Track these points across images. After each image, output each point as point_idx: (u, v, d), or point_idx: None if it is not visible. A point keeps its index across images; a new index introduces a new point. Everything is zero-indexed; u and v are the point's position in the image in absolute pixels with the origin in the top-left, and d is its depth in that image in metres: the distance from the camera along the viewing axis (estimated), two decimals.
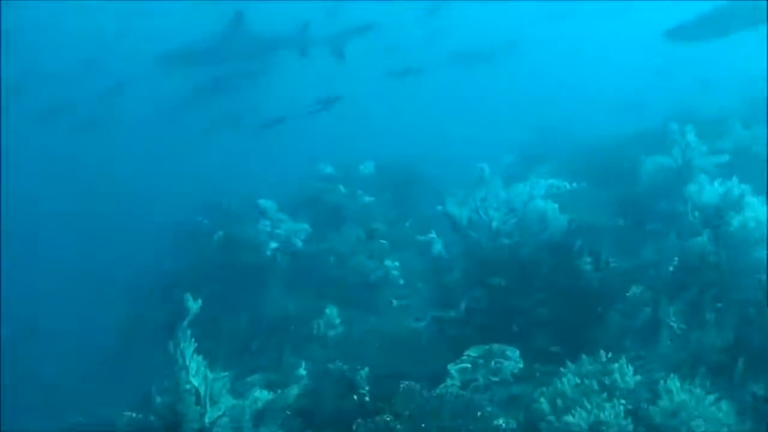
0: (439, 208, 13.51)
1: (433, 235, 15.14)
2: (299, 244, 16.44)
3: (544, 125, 23.62)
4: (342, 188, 18.43)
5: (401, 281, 15.40)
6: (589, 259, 11.61)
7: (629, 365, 9.04)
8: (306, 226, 16.65)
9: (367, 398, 9.58)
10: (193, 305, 8.57)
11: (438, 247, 14.94)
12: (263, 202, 17.16)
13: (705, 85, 24.75)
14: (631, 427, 8.36)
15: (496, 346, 10.53)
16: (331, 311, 14.16)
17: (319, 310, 14.36)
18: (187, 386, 8.70)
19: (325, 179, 19.03)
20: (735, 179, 11.18)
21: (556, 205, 12.73)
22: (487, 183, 13.16)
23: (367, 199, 18.20)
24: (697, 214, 11.12)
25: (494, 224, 12.94)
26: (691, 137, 14.00)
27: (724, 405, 8.49)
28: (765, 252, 10.52)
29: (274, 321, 14.94)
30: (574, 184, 14.99)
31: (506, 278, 12.13)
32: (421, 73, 27.71)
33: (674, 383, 8.58)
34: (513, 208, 13.08)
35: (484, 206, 13.00)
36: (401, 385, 9.22)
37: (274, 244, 16.40)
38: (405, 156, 21.24)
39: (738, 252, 10.79)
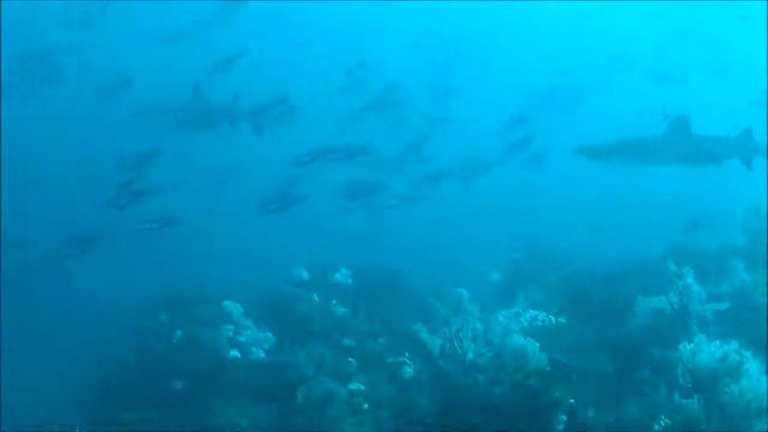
0: (415, 328, 13.15)
1: (405, 359, 14.74)
2: (261, 354, 16.00)
3: (535, 239, 23.19)
4: (315, 297, 18.01)
5: (365, 406, 14.86)
6: (563, 417, 11.12)
7: None
8: (270, 335, 16.26)
9: None
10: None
11: (409, 372, 14.51)
12: (228, 305, 16.80)
13: (706, 213, 24.19)
14: None
15: None
16: None
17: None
18: None
19: (299, 284, 18.57)
20: (734, 344, 10.85)
21: (537, 344, 12.37)
22: (464, 311, 12.84)
23: (341, 311, 17.74)
24: (689, 376, 10.75)
25: (468, 356, 12.59)
26: (689, 280, 13.64)
27: None
28: (765, 426, 10.17)
29: None
30: (560, 319, 14.63)
31: (476, 418, 11.69)
32: None
33: None
34: (490, 340, 12.72)
35: (458, 336, 12.62)
36: None
37: (234, 352, 15.93)
38: (388, 257, 20.86)
39: (732, 424, 10.43)
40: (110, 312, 20.24)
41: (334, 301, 18.02)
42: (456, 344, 12.70)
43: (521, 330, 13.45)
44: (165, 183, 20.71)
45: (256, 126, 22.67)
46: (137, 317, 18.20)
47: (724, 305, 13.67)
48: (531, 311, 14.75)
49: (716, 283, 15.03)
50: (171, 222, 19.53)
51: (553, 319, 14.59)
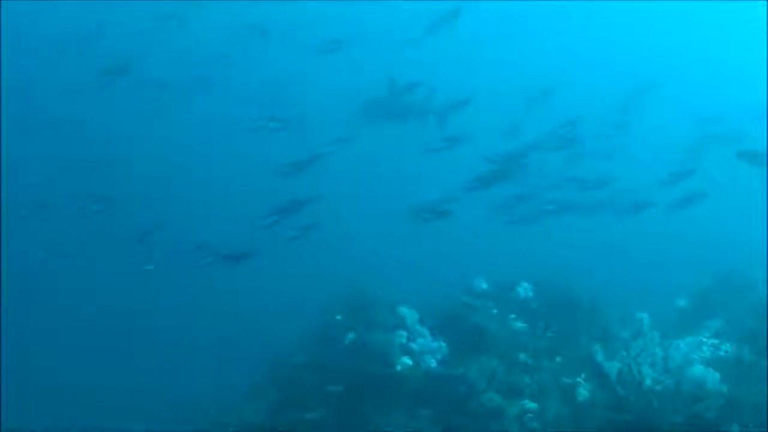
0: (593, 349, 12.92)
1: (581, 379, 14.52)
2: (433, 364, 15.96)
3: (727, 267, 22.46)
4: (494, 310, 17.86)
5: (535, 425, 14.69)
6: None
7: None
8: (443, 345, 16.19)
9: None
10: None
11: (584, 393, 14.29)
12: (403, 310, 16.82)
13: None
14: None
15: None
16: None
17: None
18: None
19: (477, 296, 18.44)
20: None
21: (718, 375, 11.98)
22: (645, 336, 12.52)
23: (519, 325, 17.55)
24: None
25: (646, 383, 12.27)
26: None
27: None
28: None
29: None
30: (745, 351, 14.15)
31: None
32: None
33: None
34: (670, 368, 12.38)
35: (637, 361, 12.33)
36: None
37: (406, 360, 15.95)
38: (567, 273, 20.49)
39: None
40: (285, 312, 20.49)
41: (512, 315, 17.85)
42: (634, 369, 12.42)
43: (702, 360, 13.04)
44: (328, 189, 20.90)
45: (441, 122, 22.76)
46: (312, 318, 18.32)
47: None
48: (714, 340, 14.30)
49: None
50: (312, 228, 19.44)
51: (736, 351, 14.11)
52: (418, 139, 22.84)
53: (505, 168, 19.84)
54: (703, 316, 18.42)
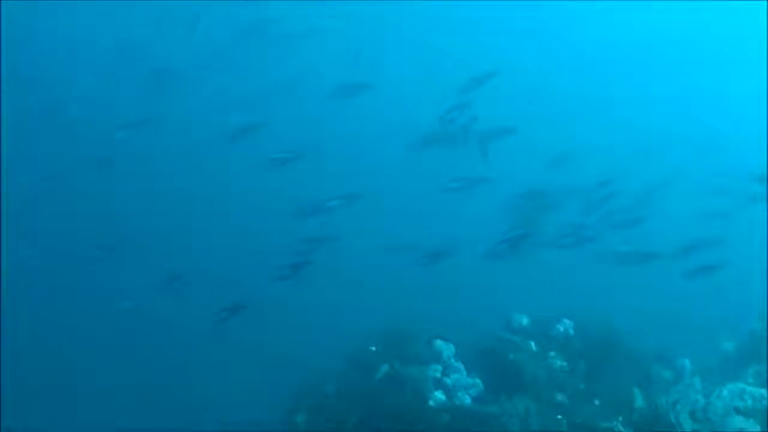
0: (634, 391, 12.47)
1: (618, 424, 14.03)
2: (467, 400, 15.54)
3: None
4: (533, 346, 17.36)
5: None
6: None
7: None
8: (479, 381, 15.77)
9: None
10: None
11: None
12: (439, 344, 16.42)
13: None
14: None
15: None
16: None
17: None
18: None
19: (516, 332, 17.94)
20: None
21: (759, 428, 11.45)
22: (685, 382, 12.03)
23: (558, 364, 17.05)
24: None
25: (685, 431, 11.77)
26: None
27: None
28: None
29: None
30: None
31: None
32: None
33: None
34: (709, 418, 11.87)
35: (676, 409, 11.83)
36: None
37: (439, 395, 15.54)
38: (608, 312, 19.93)
39: None
40: (321, 342, 20.19)
41: (552, 353, 17.35)
42: (672, 416, 11.91)
43: (745, 409, 12.50)
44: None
45: (483, 150, 22.44)
46: (346, 347, 17.93)
47: None
48: (760, 390, 13.71)
49: None
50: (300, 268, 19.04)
51: None
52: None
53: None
54: (749, 360, 17.80)
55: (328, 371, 17.60)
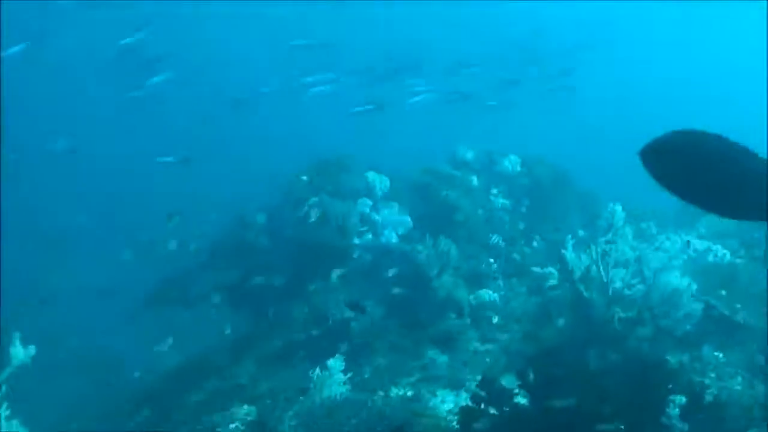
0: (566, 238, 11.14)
1: (551, 269, 12.71)
2: (394, 239, 14.14)
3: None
4: (475, 181, 15.91)
5: (495, 319, 12.84)
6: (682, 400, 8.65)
7: None
8: (407, 218, 14.35)
9: None
10: None
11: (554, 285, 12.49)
12: (372, 176, 14.97)
13: None
14: None
15: None
16: None
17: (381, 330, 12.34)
18: None
19: (459, 166, 16.45)
20: None
21: (695, 286, 10.10)
22: (616, 232, 10.62)
23: (500, 203, 15.63)
24: None
25: (613, 287, 10.45)
26: None
27: None
28: None
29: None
30: (740, 257, 12.15)
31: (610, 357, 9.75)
32: None
33: None
34: (642, 272, 10.52)
35: (605, 261, 10.48)
36: None
37: (365, 231, 14.18)
38: (557, 153, 18.55)
39: None
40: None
41: (495, 191, 15.90)
42: (601, 269, 10.54)
43: (685, 263, 11.12)
44: None
45: None
46: (277, 176, 16.51)
47: None
48: (705, 242, 12.30)
49: None
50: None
51: (728, 257, 12.10)
52: None
53: None
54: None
55: (260, 202, 16.26)
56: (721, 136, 4.59)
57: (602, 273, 10.62)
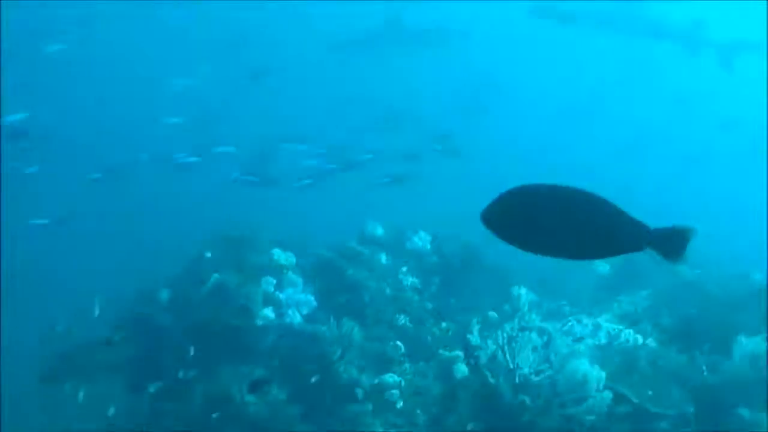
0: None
1: (459, 353, 12.23)
2: (297, 319, 13.62)
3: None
4: (384, 259, 15.47)
5: (399, 404, 12.31)
6: None
7: None
8: (311, 299, 13.86)
9: None
10: None
11: (462, 369, 11.96)
12: (277, 253, 14.46)
13: None
14: None
15: None
16: None
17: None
18: None
19: (368, 242, 16.01)
20: None
21: (603, 374, 9.74)
22: (522, 316, 10.25)
23: (410, 281, 15.17)
24: None
25: (520, 373, 10.06)
26: None
27: None
28: None
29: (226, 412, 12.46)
30: (650, 340, 11.82)
31: None
32: None
33: None
34: (550, 358, 10.17)
35: (511, 347, 10.07)
36: None
37: (268, 312, 13.64)
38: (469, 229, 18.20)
39: None
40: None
41: (404, 269, 15.44)
42: (507, 355, 10.15)
43: (595, 348, 10.79)
44: None
45: None
46: (182, 252, 15.95)
47: None
48: (616, 325, 11.96)
49: None
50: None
51: (640, 340, 11.77)
52: None
53: None
54: (621, 287, 16.07)
55: (164, 276, 15.66)
56: (556, 185, 4.94)
57: (508, 359, 10.24)
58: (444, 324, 14.20)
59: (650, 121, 40.13)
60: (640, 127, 38.93)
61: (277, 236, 15.72)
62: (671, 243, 5.01)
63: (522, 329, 10.20)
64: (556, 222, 4.94)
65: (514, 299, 10.77)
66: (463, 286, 15.89)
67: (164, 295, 14.86)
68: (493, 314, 12.75)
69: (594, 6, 21.21)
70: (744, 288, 14.76)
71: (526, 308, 10.64)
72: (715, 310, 13.70)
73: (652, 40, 22.35)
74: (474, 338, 10.53)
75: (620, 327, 11.98)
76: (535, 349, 10.25)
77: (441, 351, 12.96)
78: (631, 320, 13.10)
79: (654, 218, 4.95)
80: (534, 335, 10.12)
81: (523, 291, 10.73)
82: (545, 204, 4.95)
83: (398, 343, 13.40)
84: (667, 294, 15.24)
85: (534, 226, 4.97)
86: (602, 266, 17.60)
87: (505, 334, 10.20)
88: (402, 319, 14.03)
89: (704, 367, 11.46)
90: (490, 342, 10.50)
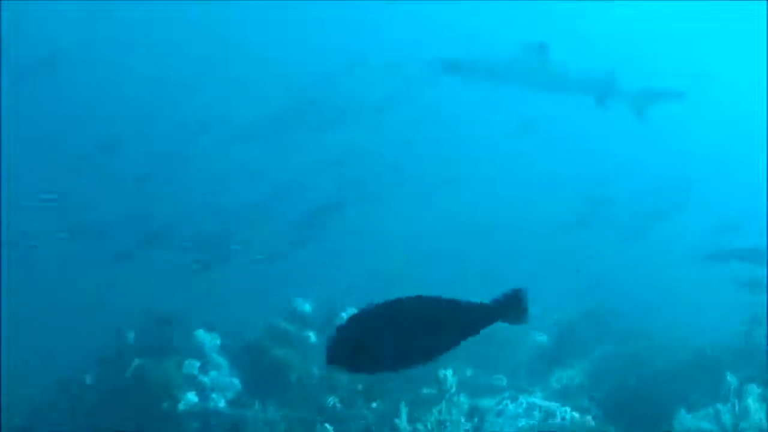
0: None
1: None
2: (222, 404, 13.00)
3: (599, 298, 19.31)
4: (312, 337, 14.89)
5: None
6: None
7: None
8: (236, 382, 13.25)
9: None
10: None
11: None
12: (201, 335, 13.87)
13: None
14: None
15: None
16: None
17: None
18: None
19: (297, 321, 15.39)
20: None
21: None
22: (449, 399, 9.73)
23: None
24: None
25: None
26: (751, 401, 10.01)
27: None
28: None
29: None
30: (588, 418, 11.32)
31: None
32: None
33: None
34: None
35: (440, 430, 9.56)
36: None
37: (191, 396, 13.00)
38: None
39: None
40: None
41: None
42: None
43: (529, 429, 10.27)
44: None
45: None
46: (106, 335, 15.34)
47: None
48: (551, 403, 11.48)
49: None
50: None
51: (577, 418, 11.26)
52: None
53: None
54: (558, 359, 15.62)
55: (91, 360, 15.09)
56: (387, 302, 4.94)
57: None
58: (374, 404, 13.66)
59: None
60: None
61: (203, 317, 15.22)
62: (512, 309, 5.09)
63: (450, 413, 9.66)
64: (402, 337, 4.93)
65: (440, 381, 10.20)
66: None
67: (89, 379, 14.37)
68: (427, 392, 12.23)
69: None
70: (686, 356, 14.39)
71: (453, 390, 10.06)
72: (657, 382, 13.28)
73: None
74: (402, 423, 9.93)
75: (556, 404, 11.48)
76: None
77: None
78: (568, 395, 12.67)
79: None
80: (462, 419, 9.59)
81: (449, 372, 10.16)
82: (383, 325, 4.93)
83: (327, 425, 12.83)
84: (606, 365, 14.83)
85: (383, 350, 4.93)
86: (540, 336, 17.20)
87: (432, 418, 9.66)
88: (331, 400, 13.44)
89: None
90: (419, 426, 9.91)
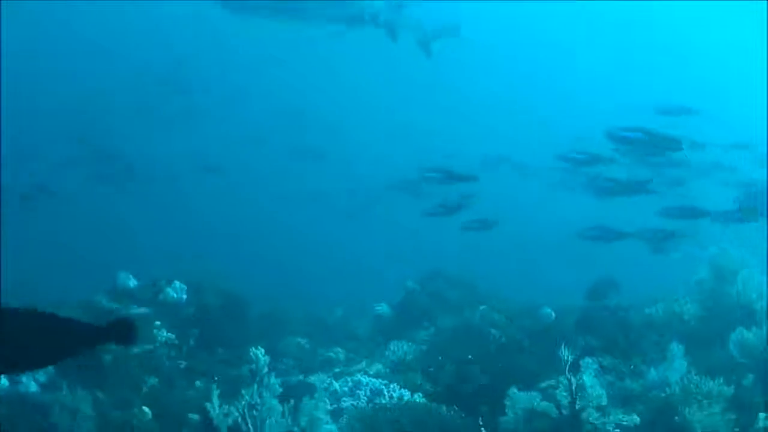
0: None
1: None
2: (33, 388, 12.00)
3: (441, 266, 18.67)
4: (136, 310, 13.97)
5: None
6: None
7: None
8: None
9: None
10: None
11: None
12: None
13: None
14: None
15: None
16: None
17: None
18: None
19: (121, 297, 14.41)
20: None
21: None
22: (261, 381, 8.98)
23: (164, 336, 13.63)
24: None
25: None
26: (587, 378, 9.37)
27: None
28: None
29: None
30: (418, 396, 10.63)
31: None
32: None
33: None
34: (299, 423, 8.94)
35: (252, 414, 8.78)
36: None
37: (3, 380, 11.97)
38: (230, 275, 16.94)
39: None
40: None
41: (157, 323, 13.89)
42: (250, 424, 8.86)
43: (354, 410, 9.54)
44: None
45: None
46: None
47: (635, 419, 9.49)
48: (376, 381, 10.77)
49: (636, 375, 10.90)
50: None
51: (406, 395, 10.57)
52: None
53: None
54: (396, 331, 14.94)
55: None
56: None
57: (251, 428, 8.94)
58: (198, 383, 12.81)
59: None
60: None
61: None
62: (121, 333, 5.45)
63: (261, 396, 8.90)
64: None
65: (252, 360, 9.40)
66: (226, 338, 14.47)
67: None
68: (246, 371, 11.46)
69: None
70: (531, 325, 13.77)
71: (264, 370, 9.27)
72: (498, 354, 12.62)
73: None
74: (213, 407, 9.15)
75: (384, 382, 10.77)
76: (279, 415, 8.98)
77: (191, 415, 11.58)
78: (402, 370, 11.96)
79: None
80: (275, 401, 8.85)
81: (261, 351, 9.36)
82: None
83: (144, 408, 11.93)
84: (446, 337, 14.14)
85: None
86: (382, 307, 16.50)
87: (244, 401, 8.89)
88: (151, 381, 12.54)
89: (481, 426, 10.22)
90: (232, 408, 9.14)
